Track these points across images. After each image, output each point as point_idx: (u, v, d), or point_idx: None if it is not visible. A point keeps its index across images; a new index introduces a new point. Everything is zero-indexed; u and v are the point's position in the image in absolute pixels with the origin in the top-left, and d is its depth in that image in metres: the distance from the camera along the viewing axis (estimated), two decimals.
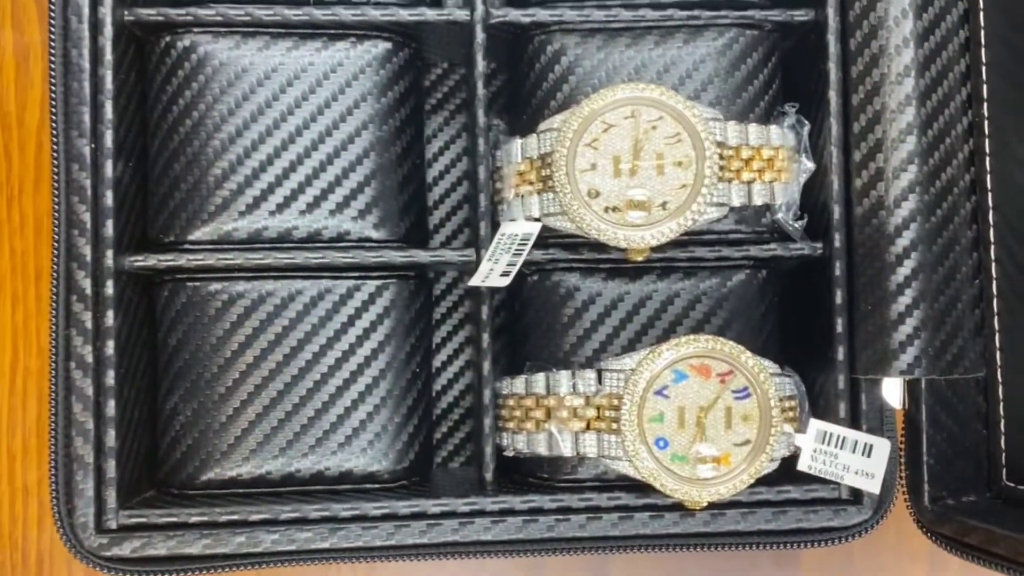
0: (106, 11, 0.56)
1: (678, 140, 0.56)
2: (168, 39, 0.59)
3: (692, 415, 0.56)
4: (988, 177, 0.58)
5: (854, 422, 0.59)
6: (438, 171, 0.69)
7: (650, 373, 0.55)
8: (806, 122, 0.61)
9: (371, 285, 0.60)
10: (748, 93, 0.60)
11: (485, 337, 0.59)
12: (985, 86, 0.58)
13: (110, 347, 0.56)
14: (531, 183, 0.58)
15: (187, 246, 0.59)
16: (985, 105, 0.58)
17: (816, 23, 0.60)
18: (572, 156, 0.56)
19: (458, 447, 0.68)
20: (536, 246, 0.58)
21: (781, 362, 0.61)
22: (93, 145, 0.56)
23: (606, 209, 0.56)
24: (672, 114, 0.56)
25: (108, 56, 0.56)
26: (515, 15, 0.60)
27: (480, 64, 0.59)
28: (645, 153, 0.56)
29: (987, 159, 0.57)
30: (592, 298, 0.60)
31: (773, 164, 0.58)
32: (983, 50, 0.58)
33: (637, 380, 0.55)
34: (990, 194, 0.57)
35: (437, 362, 0.68)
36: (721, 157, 0.56)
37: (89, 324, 0.55)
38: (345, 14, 0.59)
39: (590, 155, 0.56)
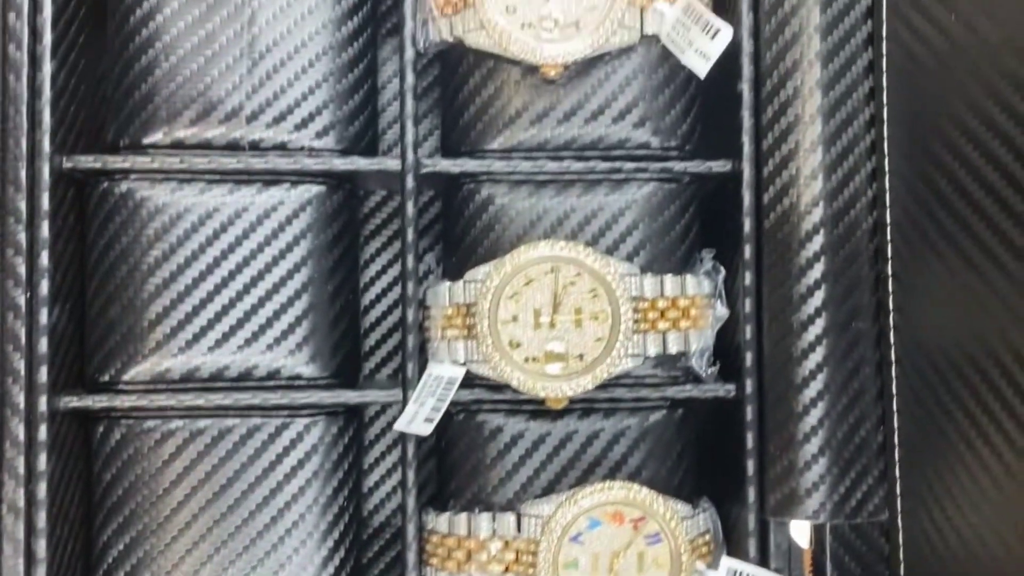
0: (43, 160, 0.58)
1: (595, 295, 0.59)
2: (106, 184, 0.61)
3: (605, 560, 0.58)
4: (892, 333, 0.61)
5: (763, 561, 0.61)
6: (374, 294, 0.71)
7: (566, 520, 0.58)
8: (722, 268, 0.64)
9: (300, 423, 0.62)
10: (667, 242, 0.63)
11: (410, 475, 0.61)
12: (890, 245, 0.61)
13: (42, 489, 0.57)
14: (458, 328, 0.60)
15: (122, 386, 0.61)
16: (890, 264, 0.61)
17: (733, 174, 0.63)
18: (495, 308, 0.58)
19: (384, 571, 0.70)
20: (462, 386, 0.61)
21: (698, 495, 0.64)
22: (28, 294, 0.57)
23: (526, 359, 0.59)
24: (589, 272, 0.58)
25: (45, 207, 0.58)
26: (445, 165, 0.63)
27: (410, 211, 0.62)
28: (564, 307, 0.59)
29: (891, 315, 0.60)
30: (515, 439, 0.62)
31: (688, 313, 0.61)
32: (888, 211, 0.61)
33: (554, 527, 0.57)
34: (893, 347, 0.60)
35: (370, 482, 0.70)
36: (636, 311, 0.59)
37: (21, 469, 0.57)
38: (280, 163, 0.61)
39: (511, 307, 0.59)
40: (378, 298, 0.71)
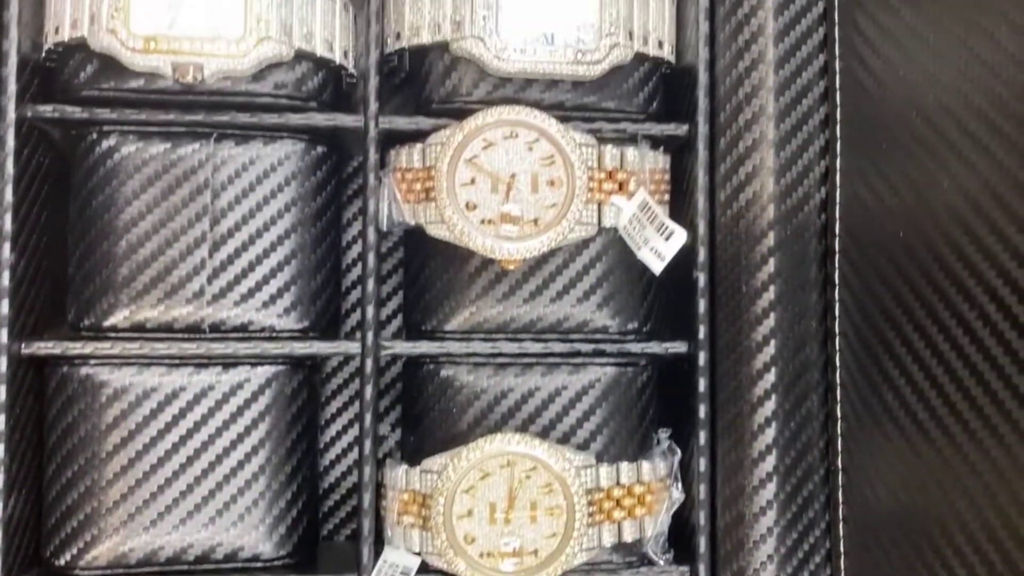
0: (1, 351, 0.58)
1: (550, 490, 0.59)
2: (66, 369, 0.61)
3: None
4: (841, 508, 0.62)
5: None
6: (334, 455, 0.72)
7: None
8: (677, 450, 0.65)
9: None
10: (625, 425, 0.64)
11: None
12: (839, 406, 0.62)
13: None
14: (413, 516, 0.60)
15: (80, 571, 0.60)
16: (839, 424, 0.62)
17: (689, 356, 0.64)
18: (450, 502, 0.59)
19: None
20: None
21: None
22: None
23: (481, 555, 0.59)
24: (544, 466, 0.59)
25: (2, 397, 0.58)
26: (404, 347, 0.64)
27: (369, 395, 0.62)
28: (519, 502, 0.59)
29: (839, 508, 0.61)
30: None
31: (644, 500, 0.61)
32: (837, 372, 0.62)
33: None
34: (842, 526, 0.62)
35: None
36: (591, 503, 0.60)
37: None
38: (241, 347, 0.61)
39: (467, 501, 0.59)
40: (338, 458, 0.72)
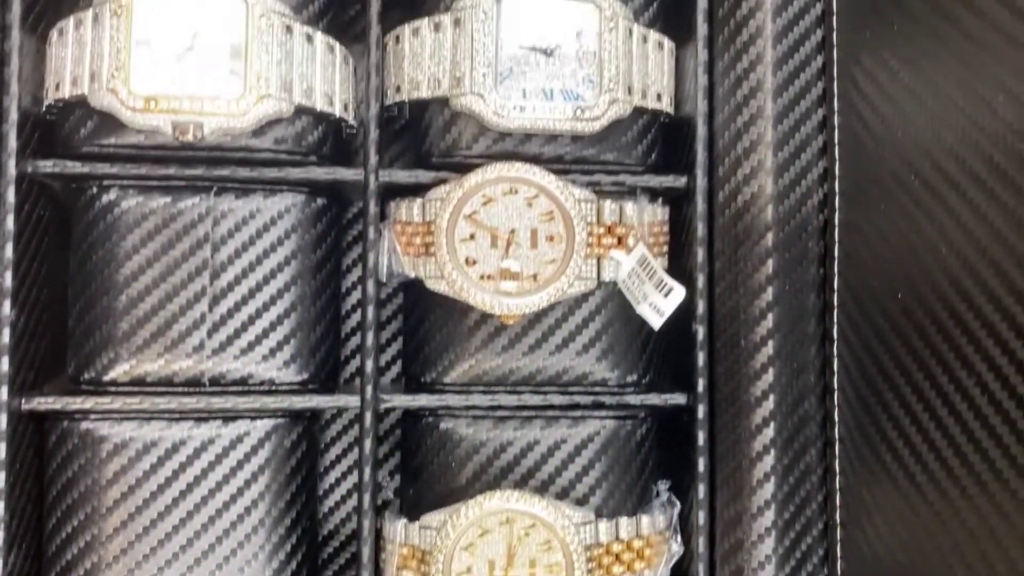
0: (1, 408, 0.58)
1: (549, 547, 0.59)
2: (66, 424, 0.61)
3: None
4: (839, 563, 0.62)
5: None
6: (333, 501, 0.72)
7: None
8: (676, 501, 0.65)
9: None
10: (625, 478, 0.64)
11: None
12: (837, 461, 0.62)
13: None
14: (412, 571, 0.61)
15: None
16: (837, 479, 0.62)
17: (688, 408, 0.64)
18: (449, 560, 0.59)
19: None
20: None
21: None
22: None
23: None
24: (543, 524, 0.59)
25: (2, 455, 0.58)
26: (402, 400, 0.64)
27: (368, 448, 0.62)
28: (518, 559, 0.59)
29: (838, 563, 0.62)
30: None
31: (643, 554, 0.62)
32: (836, 428, 0.62)
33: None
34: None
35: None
36: (590, 559, 0.60)
37: None
38: (239, 401, 0.62)
39: (466, 559, 0.59)
40: (336, 505, 0.72)
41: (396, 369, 0.72)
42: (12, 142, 0.59)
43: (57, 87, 0.60)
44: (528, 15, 0.61)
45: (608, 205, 0.61)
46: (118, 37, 0.57)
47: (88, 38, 0.58)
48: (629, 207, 0.62)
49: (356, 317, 0.71)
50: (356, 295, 0.71)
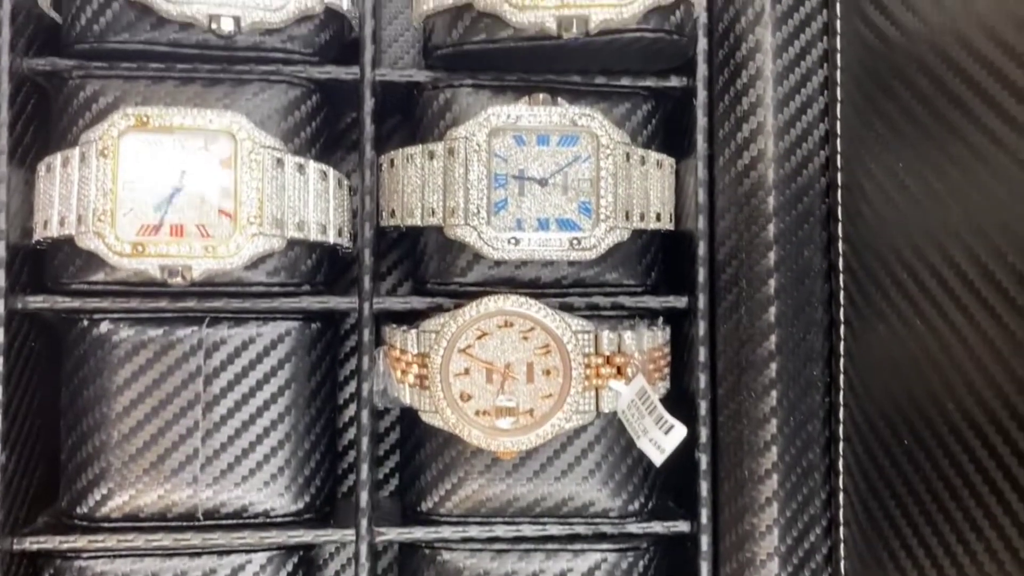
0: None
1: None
2: (59, 562, 0.60)
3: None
4: None
5: None
6: None
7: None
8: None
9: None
10: None
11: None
12: None
13: None
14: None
15: None
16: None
17: (691, 536, 0.63)
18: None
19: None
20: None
21: None
22: None
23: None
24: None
25: None
26: (398, 534, 0.62)
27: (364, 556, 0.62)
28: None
29: None
30: None
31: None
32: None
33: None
34: None
35: None
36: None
37: None
38: (234, 537, 0.60)
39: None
40: None
41: (395, 482, 0.71)
42: (1, 281, 0.59)
43: (45, 225, 0.59)
44: (523, 146, 0.60)
45: (606, 335, 0.60)
46: (104, 178, 0.56)
47: (75, 177, 0.57)
48: (628, 336, 0.60)
49: (353, 432, 0.70)
50: (353, 407, 0.70)
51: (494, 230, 0.59)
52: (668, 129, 0.67)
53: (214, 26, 0.58)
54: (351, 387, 0.70)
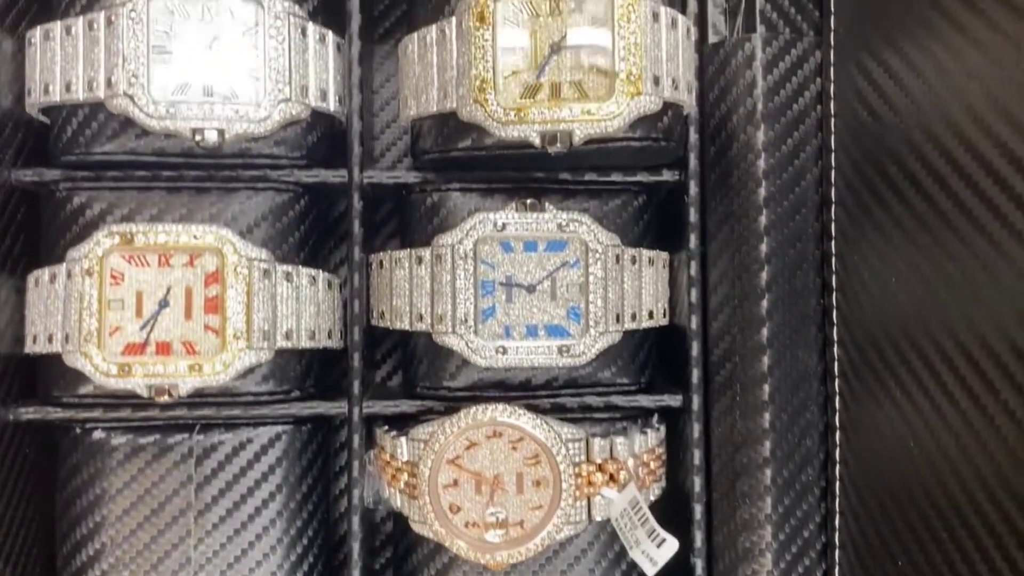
0: None
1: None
2: None
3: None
4: None
5: None
6: None
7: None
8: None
9: None
10: None
11: None
12: None
13: None
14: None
15: None
16: None
17: None
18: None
19: None
20: None
21: None
22: None
23: None
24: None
25: None
26: None
27: None
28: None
29: None
30: None
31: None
32: None
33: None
34: None
35: None
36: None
37: None
38: None
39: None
40: None
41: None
42: None
43: (34, 339, 0.59)
44: (510, 253, 0.60)
45: (597, 443, 0.59)
46: (90, 298, 0.56)
47: (61, 295, 0.57)
48: (620, 441, 0.60)
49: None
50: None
51: (482, 339, 0.59)
52: (662, 220, 0.66)
53: (198, 138, 0.58)
54: (344, 479, 0.70)
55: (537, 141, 0.56)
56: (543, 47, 0.56)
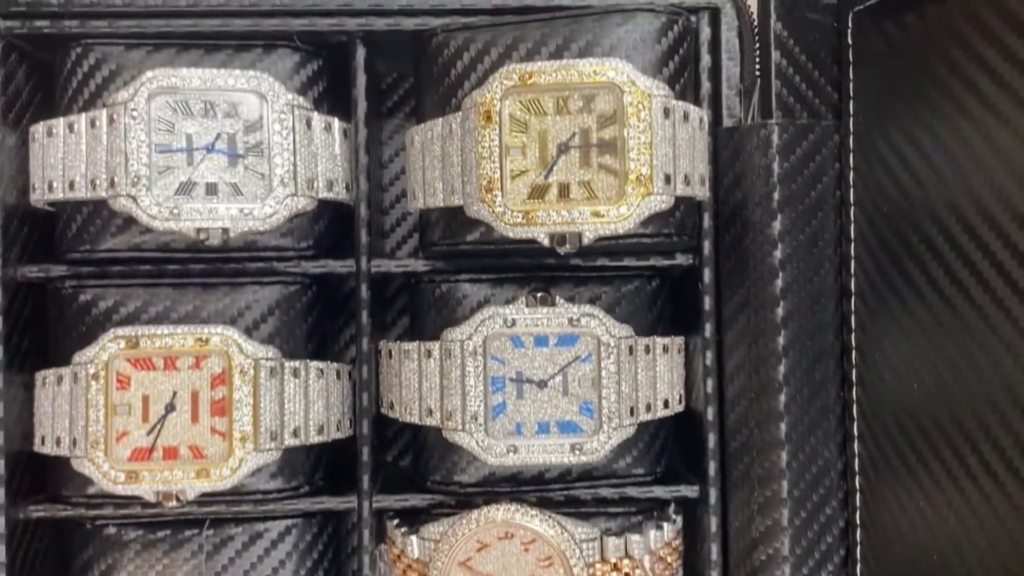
0: None
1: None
2: None
3: None
4: None
5: None
6: None
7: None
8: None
9: None
10: None
11: None
12: None
13: None
14: None
15: None
16: None
17: None
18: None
19: None
20: None
21: None
22: None
23: None
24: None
25: None
26: None
27: None
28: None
29: None
30: None
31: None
32: None
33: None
34: None
35: None
36: None
37: None
38: None
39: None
40: None
41: None
42: (1, 495, 0.59)
43: (43, 441, 0.58)
44: (521, 348, 0.58)
45: (612, 542, 0.58)
46: (96, 404, 0.56)
47: (68, 399, 0.57)
48: (635, 539, 0.58)
49: None
50: None
51: (492, 437, 0.58)
52: (676, 302, 0.64)
53: (203, 237, 0.57)
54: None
55: (546, 242, 0.55)
56: (551, 147, 0.55)
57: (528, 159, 0.55)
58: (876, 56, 0.57)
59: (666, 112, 0.54)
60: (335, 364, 0.62)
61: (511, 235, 0.55)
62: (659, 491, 0.62)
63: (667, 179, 0.54)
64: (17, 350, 0.60)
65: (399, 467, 0.70)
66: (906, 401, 0.55)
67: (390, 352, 0.62)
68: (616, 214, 0.53)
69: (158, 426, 0.57)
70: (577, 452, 0.58)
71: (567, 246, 0.54)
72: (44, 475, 0.62)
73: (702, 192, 0.58)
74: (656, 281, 0.63)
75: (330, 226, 0.63)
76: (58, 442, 0.57)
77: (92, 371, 0.56)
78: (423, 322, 0.62)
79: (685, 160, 0.55)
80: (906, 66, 0.55)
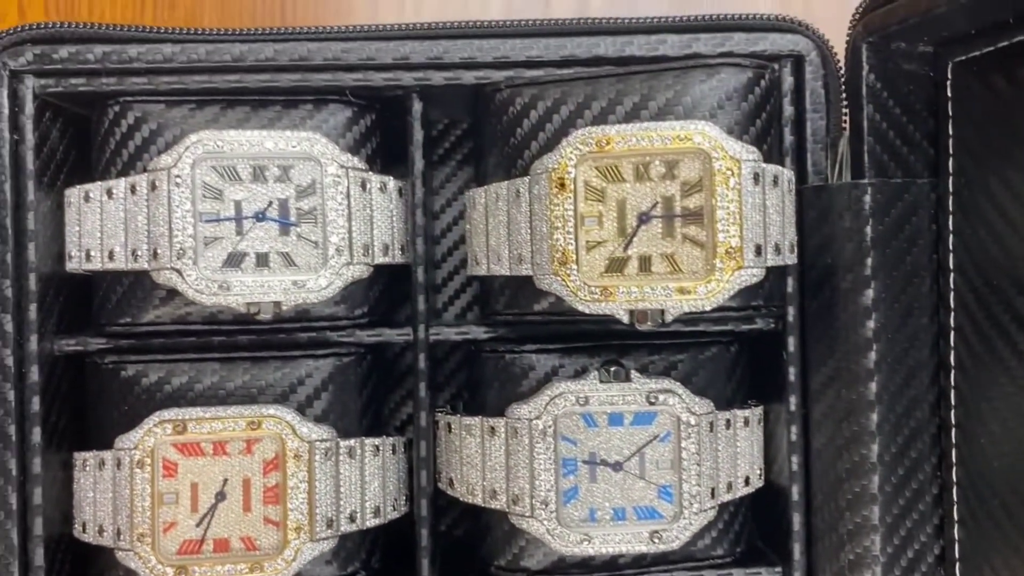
0: None
1: None
2: None
3: None
4: None
5: None
6: None
7: None
8: None
9: None
10: None
11: None
12: None
13: None
14: None
15: None
16: None
17: None
18: None
19: None
20: None
21: None
22: None
23: None
24: None
25: None
26: None
27: None
28: None
29: None
30: None
31: None
32: None
33: None
34: None
35: None
36: None
37: None
38: None
39: None
40: None
41: None
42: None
43: (84, 527, 0.55)
44: (594, 428, 0.54)
45: None
46: (142, 493, 0.52)
47: (111, 486, 0.53)
48: None
49: None
50: None
51: (564, 526, 0.54)
52: (756, 368, 0.60)
53: (253, 311, 0.53)
54: None
55: (625, 319, 0.50)
56: (630, 216, 0.51)
57: (605, 229, 0.51)
58: (978, 109, 0.53)
59: (755, 178, 0.50)
60: (390, 439, 0.58)
61: (587, 311, 0.50)
62: (738, 574, 0.58)
63: (757, 250, 0.50)
64: (55, 428, 0.57)
65: (455, 540, 0.66)
66: (1014, 482, 0.51)
67: (449, 426, 0.58)
68: (705, 291, 0.49)
69: (208, 516, 0.53)
70: (656, 540, 0.54)
71: (648, 323, 0.50)
72: (85, 560, 0.58)
73: (792, 259, 0.53)
74: (735, 347, 0.59)
75: (385, 290, 0.59)
76: (100, 531, 0.54)
77: (137, 457, 0.52)
78: (484, 394, 0.58)
79: (775, 228, 0.51)
80: (1011, 120, 0.51)
